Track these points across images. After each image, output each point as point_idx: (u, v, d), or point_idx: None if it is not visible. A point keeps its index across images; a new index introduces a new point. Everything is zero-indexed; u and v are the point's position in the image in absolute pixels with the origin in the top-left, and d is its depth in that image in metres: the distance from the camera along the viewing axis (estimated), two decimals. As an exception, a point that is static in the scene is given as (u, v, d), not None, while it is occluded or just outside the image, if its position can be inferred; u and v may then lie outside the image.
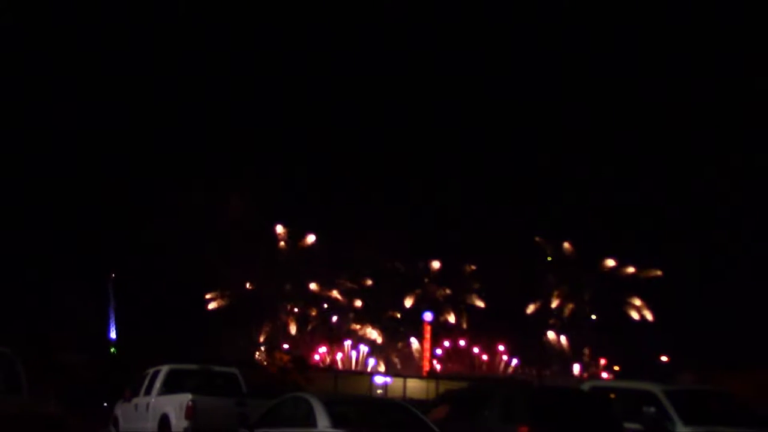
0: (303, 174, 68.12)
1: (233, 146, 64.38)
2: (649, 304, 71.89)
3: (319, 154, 67.92)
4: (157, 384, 17.70)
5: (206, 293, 67.05)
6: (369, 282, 71.77)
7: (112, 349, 57.36)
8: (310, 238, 70.17)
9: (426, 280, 74.23)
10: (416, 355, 71.68)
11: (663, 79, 65.73)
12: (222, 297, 67.63)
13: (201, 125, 66.13)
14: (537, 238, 73.49)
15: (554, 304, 74.08)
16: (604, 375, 69.36)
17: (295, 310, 70.39)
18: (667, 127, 65.17)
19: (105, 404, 26.21)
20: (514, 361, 72.91)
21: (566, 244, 72.86)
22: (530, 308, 74.03)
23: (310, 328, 70.78)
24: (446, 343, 73.05)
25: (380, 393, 57.41)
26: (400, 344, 72.56)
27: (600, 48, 74.89)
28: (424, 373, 68.26)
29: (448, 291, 73.84)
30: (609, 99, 68.20)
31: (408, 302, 73.05)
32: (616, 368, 70.41)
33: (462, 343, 73.42)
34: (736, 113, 59.13)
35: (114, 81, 61.88)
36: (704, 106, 62.42)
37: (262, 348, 60.46)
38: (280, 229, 70.15)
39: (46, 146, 56.88)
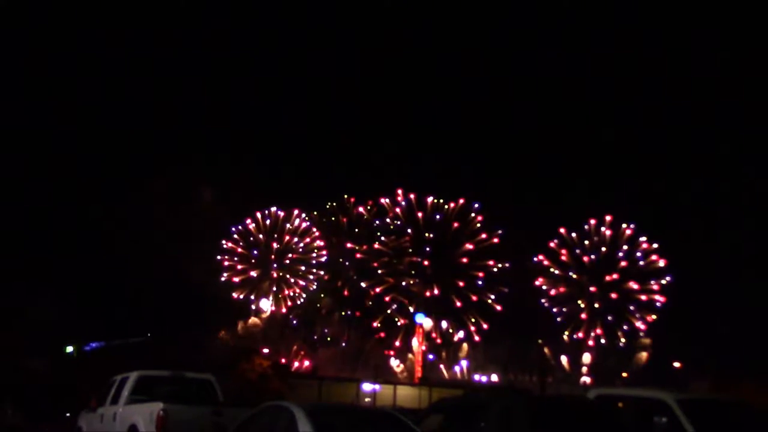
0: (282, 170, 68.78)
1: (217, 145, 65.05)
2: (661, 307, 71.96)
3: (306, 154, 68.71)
4: (125, 392, 17.19)
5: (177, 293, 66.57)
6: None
7: (69, 348, 55.95)
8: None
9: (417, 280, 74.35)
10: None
11: (663, 78, 66.21)
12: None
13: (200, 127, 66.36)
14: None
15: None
16: None
17: (273, 308, 70.55)
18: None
19: (68, 414, 25.70)
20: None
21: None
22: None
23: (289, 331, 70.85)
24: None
25: (368, 401, 57.22)
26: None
27: (599, 47, 75.23)
28: (416, 380, 67.98)
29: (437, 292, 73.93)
30: (609, 97, 69.03)
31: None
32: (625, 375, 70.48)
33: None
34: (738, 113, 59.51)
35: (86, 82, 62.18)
36: (704, 106, 62.82)
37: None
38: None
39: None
